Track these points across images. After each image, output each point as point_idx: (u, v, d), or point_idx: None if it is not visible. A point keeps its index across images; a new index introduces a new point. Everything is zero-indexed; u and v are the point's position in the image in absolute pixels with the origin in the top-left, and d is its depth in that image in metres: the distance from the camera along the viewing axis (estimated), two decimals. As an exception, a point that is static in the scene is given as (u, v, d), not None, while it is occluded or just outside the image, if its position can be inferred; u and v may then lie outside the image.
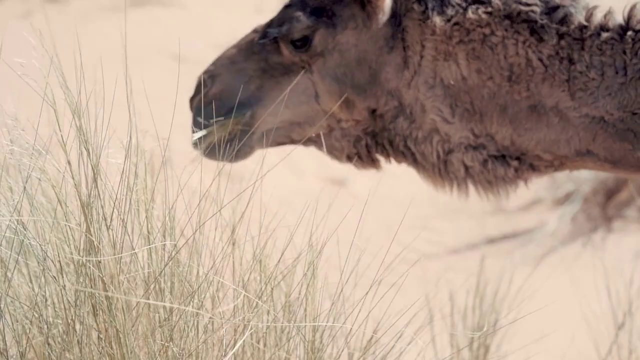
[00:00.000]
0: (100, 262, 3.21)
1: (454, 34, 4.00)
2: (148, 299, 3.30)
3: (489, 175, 4.03)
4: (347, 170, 10.61)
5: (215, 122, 4.02)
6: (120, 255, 3.18)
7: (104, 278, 3.20)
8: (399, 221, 9.67)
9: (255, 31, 4.21)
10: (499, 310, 5.75)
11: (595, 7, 4.01)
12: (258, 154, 4.23)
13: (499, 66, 3.98)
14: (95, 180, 3.26)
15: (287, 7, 4.18)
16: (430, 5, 4.04)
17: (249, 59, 4.13)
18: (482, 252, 9.00)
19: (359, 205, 10.62)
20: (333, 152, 4.18)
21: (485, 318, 5.70)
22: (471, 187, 4.07)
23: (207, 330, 3.26)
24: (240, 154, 4.11)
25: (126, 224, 3.32)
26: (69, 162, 3.29)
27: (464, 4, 4.02)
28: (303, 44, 4.09)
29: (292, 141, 4.19)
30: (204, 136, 4.04)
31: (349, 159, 4.17)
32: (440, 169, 4.07)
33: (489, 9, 4.00)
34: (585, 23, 3.96)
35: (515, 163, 4.03)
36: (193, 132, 4.08)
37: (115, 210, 3.33)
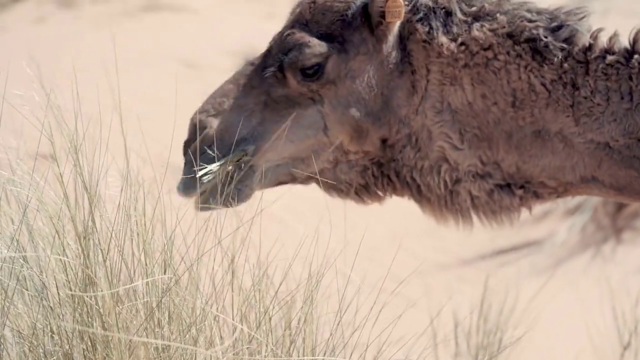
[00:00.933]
0: (96, 296, 3.21)
1: (460, 56, 3.90)
2: (146, 329, 3.30)
3: (494, 205, 3.93)
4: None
5: (211, 166, 3.77)
6: (117, 289, 3.18)
7: (101, 311, 3.21)
8: (407, 230, 9.68)
9: (251, 64, 3.99)
10: (504, 329, 5.73)
11: (600, 30, 3.94)
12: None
13: (502, 91, 3.90)
14: (92, 212, 3.26)
15: (288, 34, 3.96)
16: (434, 25, 3.94)
17: (248, 94, 3.91)
18: (492, 263, 8.99)
19: (367, 213, 10.58)
20: (339, 186, 3.98)
21: (490, 336, 5.69)
22: (475, 218, 3.96)
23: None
24: (239, 197, 3.86)
25: (123, 254, 3.32)
26: (65, 195, 3.29)
27: (469, 20, 3.93)
28: (315, 72, 3.91)
29: (294, 179, 3.99)
30: (197, 185, 3.77)
31: (356, 192, 3.99)
32: (446, 200, 3.95)
33: (494, 26, 3.90)
34: (591, 42, 3.88)
35: (520, 192, 3.94)
36: (184, 180, 3.82)
37: (112, 241, 3.33)
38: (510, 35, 3.91)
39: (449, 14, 3.94)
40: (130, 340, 3.22)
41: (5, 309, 3.38)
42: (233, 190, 3.80)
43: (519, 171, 3.92)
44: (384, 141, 3.95)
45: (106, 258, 3.28)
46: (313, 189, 11.80)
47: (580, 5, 4.03)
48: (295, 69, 3.91)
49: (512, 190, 3.94)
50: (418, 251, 9.08)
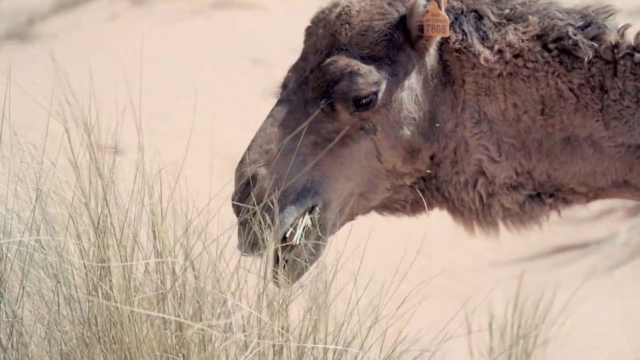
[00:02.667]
0: (111, 280, 3.30)
1: (495, 66, 3.78)
2: (161, 310, 3.37)
3: (524, 216, 3.84)
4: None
5: (282, 224, 3.51)
6: (129, 263, 3.26)
7: (115, 295, 3.30)
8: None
9: (287, 100, 3.70)
10: (540, 325, 5.71)
11: (627, 26, 3.84)
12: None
13: (532, 99, 3.80)
14: (105, 199, 3.34)
15: (331, 62, 3.68)
16: (467, 30, 3.80)
17: (297, 135, 3.60)
18: (548, 262, 8.93)
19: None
20: (394, 206, 3.83)
21: (527, 332, 5.67)
22: (502, 227, 3.86)
23: (215, 346, 3.34)
24: (319, 254, 3.62)
25: (137, 240, 3.40)
26: (80, 187, 3.38)
27: (504, 22, 3.80)
28: (369, 101, 3.67)
29: (354, 217, 3.79)
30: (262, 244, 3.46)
31: (412, 207, 3.82)
32: (478, 214, 3.83)
33: (527, 29, 3.79)
34: (618, 39, 3.77)
35: (550, 200, 3.85)
36: (247, 244, 3.49)
37: (127, 227, 3.41)
38: (539, 37, 3.81)
39: (480, 17, 3.81)
40: (142, 326, 3.31)
41: (22, 291, 3.49)
42: (314, 249, 3.61)
43: (550, 179, 3.83)
44: (431, 157, 3.81)
45: (119, 243, 3.36)
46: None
47: (607, 4, 3.96)
48: (347, 100, 3.66)
49: (542, 200, 3.85)
50: (475, 248, 9.07)
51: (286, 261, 3.56)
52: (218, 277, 3.40)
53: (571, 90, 3.80)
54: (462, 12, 3.81)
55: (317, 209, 3.63)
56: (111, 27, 12.99)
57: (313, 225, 3.59)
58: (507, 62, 3.78)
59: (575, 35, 3.81)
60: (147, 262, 3.42)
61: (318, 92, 3.67)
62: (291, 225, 3.59)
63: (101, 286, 3.36)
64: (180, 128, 10.06)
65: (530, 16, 3.84)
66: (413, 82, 3.75)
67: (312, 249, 3.60)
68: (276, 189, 3.53)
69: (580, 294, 6.67)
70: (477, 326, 5.83)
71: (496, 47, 3.78)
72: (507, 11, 3.84)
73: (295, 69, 3.75)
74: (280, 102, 3.70)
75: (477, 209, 3.81)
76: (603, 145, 3.80)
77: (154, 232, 3.51)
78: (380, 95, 3.68)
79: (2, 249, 3.50)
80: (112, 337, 3.39)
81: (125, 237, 3.39)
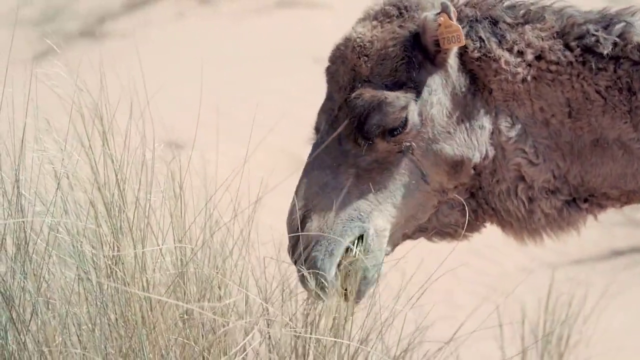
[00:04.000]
0: (123, 263, 3.32)
1: (517, 70, 3.73)
2: (169, 296, 3.38)
3: (562, 222, 3.80)
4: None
5: (336, 255, 3.54)
6: (142, 250, 3.28)
7: (125, 277, 3.31)
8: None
9: (322, 142, 3.70)
10: (573, 325, 5.62)
11: None
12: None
13: (558, 102, 3.75)
14: (118, 184, 3.36)
15: (357, 96, 3.66)
16: (484, 36, 3.74)
17: (337, 173, 3.64)
18: (607, 265, 8.78)
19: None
20: (446, 231, 3.81)
21: (559, 331, 5.59)
22: (545, 236, 3.84)
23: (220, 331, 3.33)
24: (377, 279, 3.66)
25: (149, 224, 3.41)
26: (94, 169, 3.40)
27: (521, 22, 3.74)
28: (402, 124, 3.65)
29: (405, 238, 3.80)
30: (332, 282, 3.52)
31: (463, 228, 3.79)
32: (525, 222, 3.80)
33: (545, 25, 3.73)
34: None
35: (585, 206, 3.80)
36: (314, 286, 3.52)
37: (140, 213, 3.43)
38: (559, 35, 3.75)
39: (495, 22, 3.75)
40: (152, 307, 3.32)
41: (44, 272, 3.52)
42: (372, 275, 3.63)
43: (583, 183, 3.78)
44: (475, 168, 3.78)
45: (132, 227, 3.38)
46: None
47: (629, 4, 3.88)
48: (383, 131, 3.65)
49: (578, 206, 3.80)
50: (532, 250, 8.94)
51: (345, 290, 3.58)
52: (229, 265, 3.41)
53: (598, 92, 3.74)
54: (476, 20, 3.75)
55: (369, 236, 3.63)
56: (178, 25, 13.10)
57: (365, 251, 3.60)
58: (529, 65, 3.73)
59: (596, 31, 3.73)
60: (160, 248, 3.43)
61: (350, 128, 3.66)
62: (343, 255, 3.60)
63: (115, 271, 3.38)
64: (243, 124, 10.12)
65: (546, 15, 3.77)
66: (441, 97, 3.71)
67: (368, 273, 3.60)
68: (326, 226, 3.58)
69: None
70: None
71: (516, 48, 3.74)
72: (521, 12, 3.78)
73: (323, 110, 3.76)
74: (316, 146, 3.71)
75: (524, 217, 3.78)
76: (632, 147, 3.75)
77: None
78: (410, 116, 3.64)
79: (28, 230, 3.54)
80: (123, 317, 3.41)
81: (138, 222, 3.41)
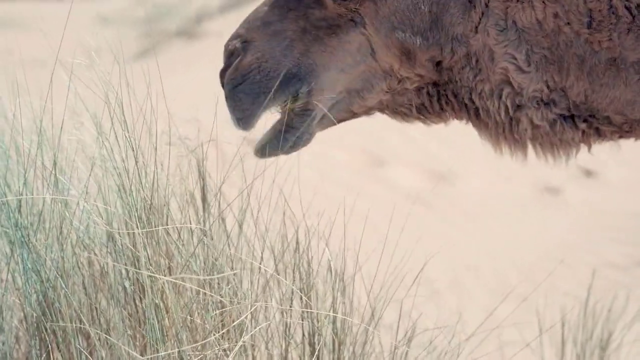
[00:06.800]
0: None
1: None
2: (180, 277, 3.59)
3: (554, 137, 3.58)
4: (558, 178, 10.52)
5: (264, 105, 3.35)
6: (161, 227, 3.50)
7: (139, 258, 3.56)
8: (604, 231, 9.55)
9: None
10: (613, 328, 5.65)
11: None
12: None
13: (577, 11, 3.48)
14: (139, 172, 3.58)
15: None
16: None
17: (285, 17, 3.42)
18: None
19: (570, 212, 10.44)
20: (401, 109, 3.60)
21: (598, 334, 5.63)
22: (531, 149, 3.61)
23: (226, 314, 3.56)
24: (300, 144, 3.48)
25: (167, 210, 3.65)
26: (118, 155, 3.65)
27: None
28: None
29: (353, 114, 3.60)
30: (252, 121, 3.36)
31: (418, 111, 3.60)
32: (504, 128, 3.59)
33: None
34: None
35: (583, 125, 3.57)
36: (233, 113, 3.39)
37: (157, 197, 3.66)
38: None
39: None
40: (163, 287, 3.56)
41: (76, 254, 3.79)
42: (293, 138, 3.46)
43: (587, 101, 3.55)
44: (437, 64, 3.56)
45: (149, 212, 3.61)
46: (512, 186, 11.78)
47: None
48: None
49: (575, 123, 3.58)
50: (602, 251, 8.97)
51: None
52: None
53: (627, 8, 3.48)
54: None
55: (302, 94, 3.44)
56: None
57: (292, 108, 3.43)
58: None
59: None
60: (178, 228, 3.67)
61: None
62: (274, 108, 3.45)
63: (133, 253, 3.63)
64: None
65: None
66: None
67: (295, 136, 3.46)
68: (257, 67, 3.40)
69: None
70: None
71: None
72: None
73: None
74: None
75: (502, 121, 3.59)
76: None
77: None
78: None
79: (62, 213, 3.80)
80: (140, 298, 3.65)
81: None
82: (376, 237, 4.14)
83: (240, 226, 3.72)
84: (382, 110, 3.65)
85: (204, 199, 3.86)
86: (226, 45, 3.46)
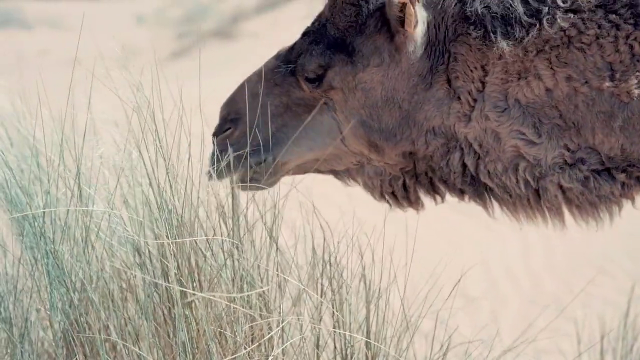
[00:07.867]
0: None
1: (529, 49, 3.39)
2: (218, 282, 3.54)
3: (591, 195, 3.43)
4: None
5: (235, 169, 3.64)
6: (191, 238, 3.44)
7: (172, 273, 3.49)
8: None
9: (277, 57, 3.66)
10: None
11: None
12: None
13: (595, 68, 3.37)
14: (170, 182, 3.53)
15: (305, 34, 3.64)
16: (490, 28, 3.41)
17: (271, 92, 3.62)
18: None
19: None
20: (366, 188, 3.73)
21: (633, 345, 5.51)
22: (567, 214, 3.49)
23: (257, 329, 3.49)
24: (260, 188, 3.71)
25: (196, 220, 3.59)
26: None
27: (543, 9, 3.37)
28: (315, 79, 3.57)
29: (319, 172, 3.75)
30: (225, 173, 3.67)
31: (382, 197, 3.70)
32: (529, 199, 3.49)
33: (574, 6, 3.36)
34: None
35: (622, 176, 3.42)
36: (211, 166, 3.68)
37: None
38: (601, 5, 3.37)
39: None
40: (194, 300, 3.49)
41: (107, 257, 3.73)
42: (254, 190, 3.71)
43: (624, 153, 3.39)
44: (409, 154, 3.58)
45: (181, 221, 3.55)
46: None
47: None
48: (302, 74, 3.58)
49: (612, 175, 3.42)
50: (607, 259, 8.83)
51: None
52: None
53: None
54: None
55: (267, 161, 3.66)
56: (302, 27, 13.28)
57: (256, 169, 3.67)
58: (548, 38, 3.38)
59: None
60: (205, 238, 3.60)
61: (292, 60, 3.63)
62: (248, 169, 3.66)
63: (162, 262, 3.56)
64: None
65: None
66: (378, 77, 3.52)
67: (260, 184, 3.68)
68: (240, 139, 3.65)
69: None
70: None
71: (526, 40, 3.40)
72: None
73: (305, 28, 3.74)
74: (274, 56, 3.70)
75: (524, 193, 3.50)
76: None
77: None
78: (327, 78, 3.55)
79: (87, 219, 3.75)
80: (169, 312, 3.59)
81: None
82: (413, 246, 4.06)
83: (271, 237, 3.64)
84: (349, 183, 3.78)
85: (234, 211, 3.79)
86: (222, 110, 3.73)
